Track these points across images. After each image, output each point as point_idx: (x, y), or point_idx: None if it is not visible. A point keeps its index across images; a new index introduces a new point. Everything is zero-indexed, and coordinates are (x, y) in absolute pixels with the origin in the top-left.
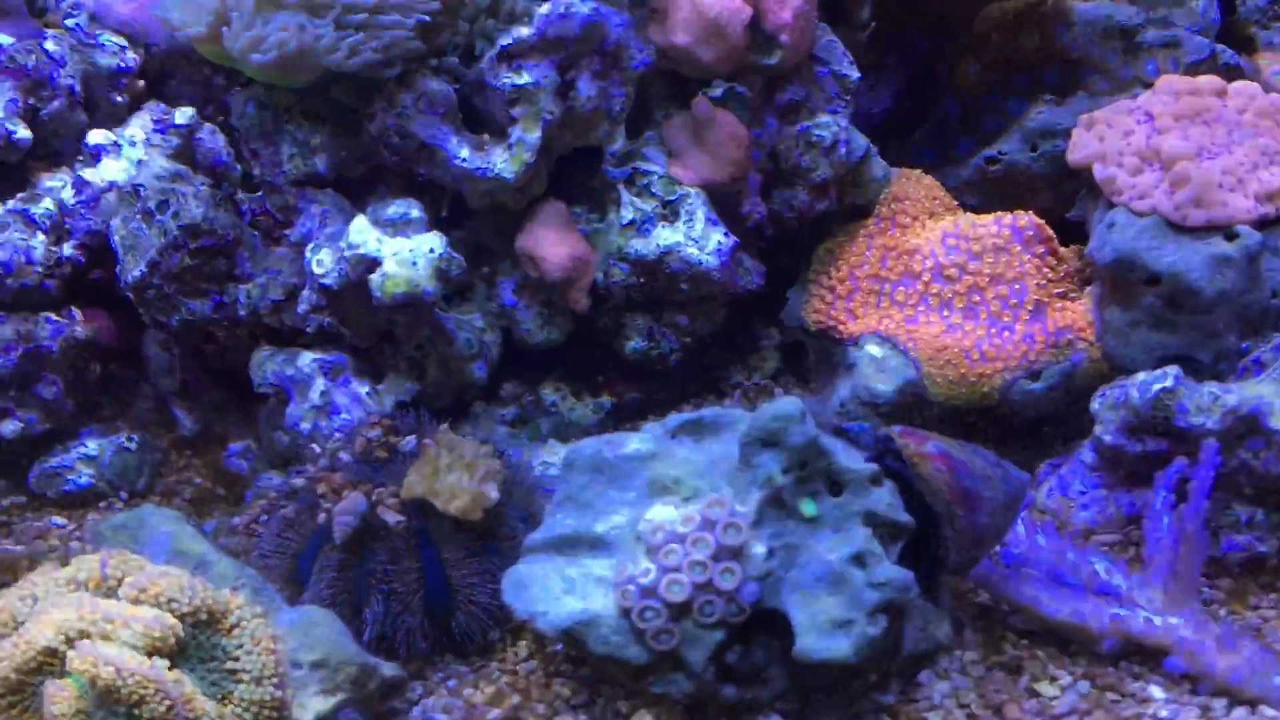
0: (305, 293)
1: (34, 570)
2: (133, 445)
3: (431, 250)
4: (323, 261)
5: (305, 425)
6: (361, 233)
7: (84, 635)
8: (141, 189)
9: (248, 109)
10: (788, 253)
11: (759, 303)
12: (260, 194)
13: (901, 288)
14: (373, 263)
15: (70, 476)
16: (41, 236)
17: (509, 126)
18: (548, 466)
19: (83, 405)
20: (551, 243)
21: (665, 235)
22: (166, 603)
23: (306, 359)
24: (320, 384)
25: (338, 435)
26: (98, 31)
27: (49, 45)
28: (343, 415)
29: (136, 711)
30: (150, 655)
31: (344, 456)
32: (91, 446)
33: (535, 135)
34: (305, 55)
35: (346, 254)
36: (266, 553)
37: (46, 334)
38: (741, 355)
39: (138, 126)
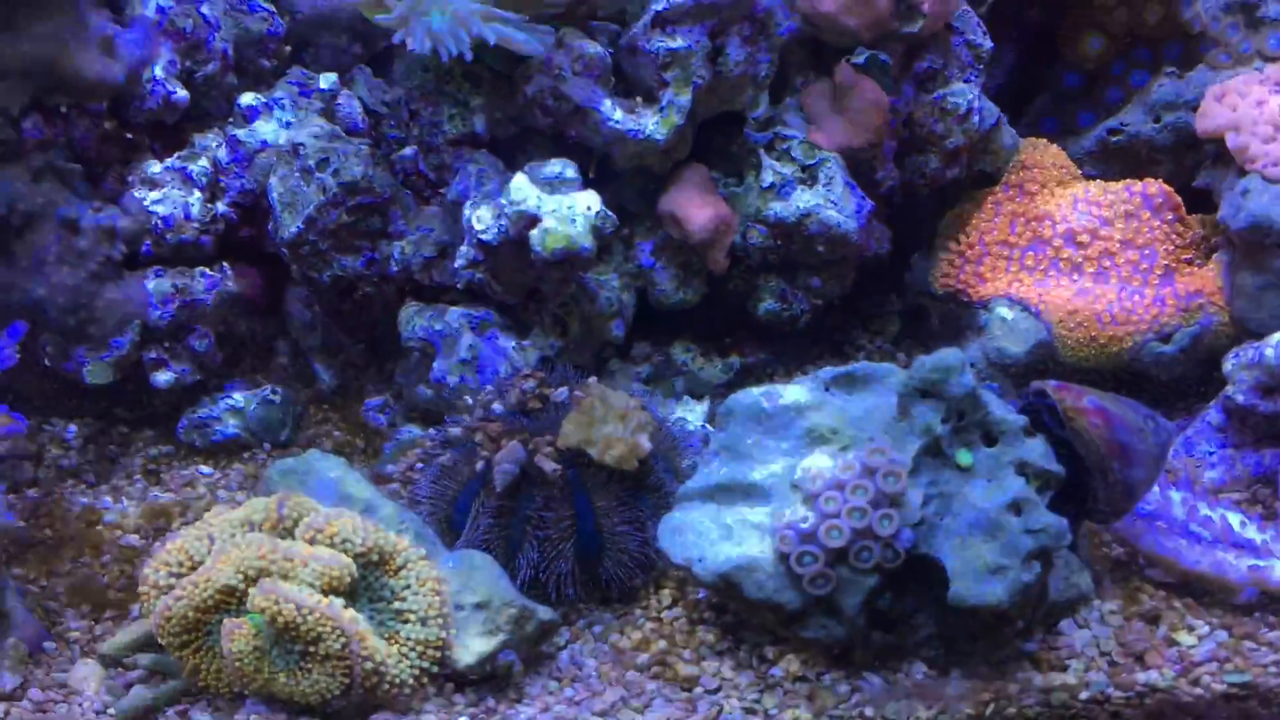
0: (463, 248)
1: (171, 517)
2: (276, 398)
3: (589, 208)
4: (482, 218)
5: (452, 378)
6: (522, 190)
7: (264, 574)
8: (301, 148)
9: (412, 72)
10: (904, 219)
11: (879, 267)
12: (411, 153)
13: (1031, 252)
14: (533, 219)
15: (218, 427)
16: (198, 194)
17: (659, 90)
18: (683, 422)
19: (228, 359)
20: (696, 204)
21: (805, 198)
22: (340, 543)
23: (455, 314)
24: (468, 339)
25: (488, 387)
26: None
27: (205, 9)
28: (489, 369)
29: (312, 649)
30: (326, 594)
31: (497, 407)
32: (237, 398)
33: (686, 98)
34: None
35: (507, 210)
36: (421, 499)
37: (202, 288)
38: (863, 319)
39: (284, 90)
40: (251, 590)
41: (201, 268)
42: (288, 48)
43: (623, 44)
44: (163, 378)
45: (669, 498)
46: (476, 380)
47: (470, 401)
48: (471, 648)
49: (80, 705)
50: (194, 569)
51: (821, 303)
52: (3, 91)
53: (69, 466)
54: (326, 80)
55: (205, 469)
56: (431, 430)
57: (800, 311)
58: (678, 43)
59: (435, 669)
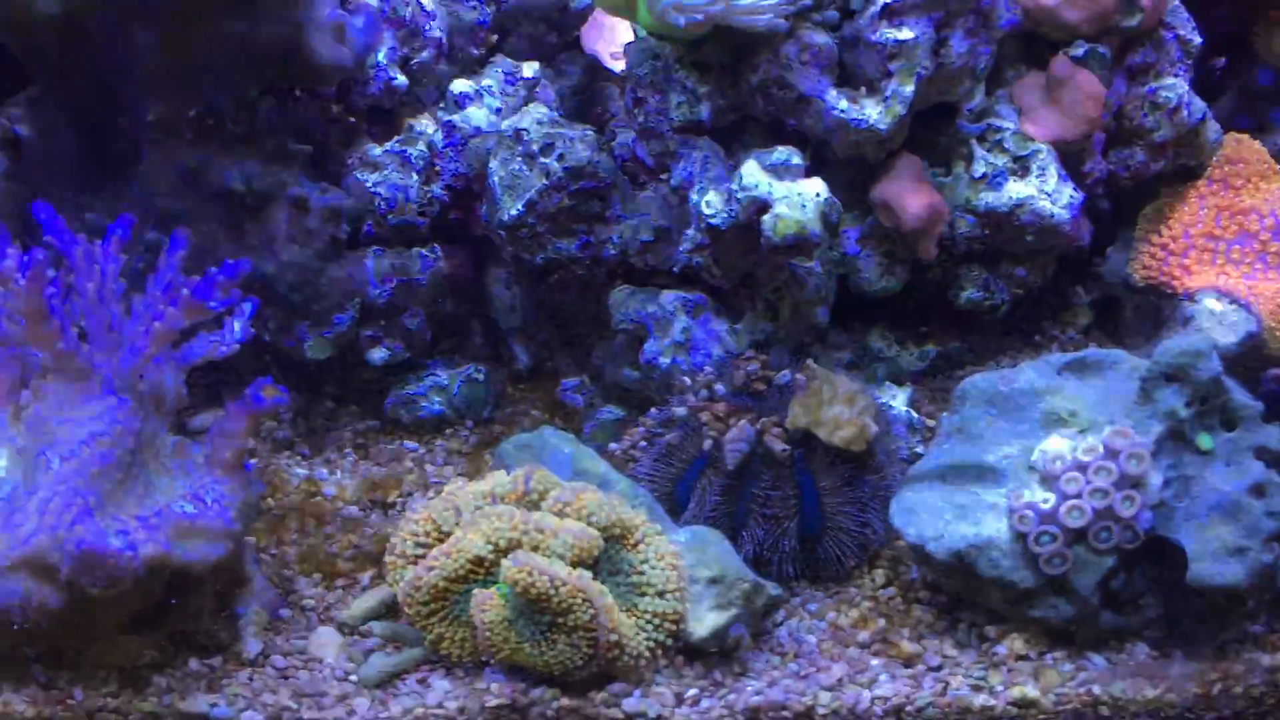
0: (689, 232)
1: (386, 490)
2: (480, 376)
3: (818, 194)
4: (711, 203)
5: (664, 360)
6: (753, 176)
7: (514, 545)
8: (524, 133)
9: (642, 61)
10: (1098, 211)
11: (1068, 259)
12: (629, 139)
13: (1237, 246)
14: (763, 205)
15: (424, 404)
16: (416, 176)
17: (883, 80)
18: (888, 408)
19: (434, 337)
20: (911, 193)
21: (1017, 189)
22: (586, 517)
23: (670, 297)
24: (682, 321)
25: (707, 369)
26: None
27: None
28: (701, 352)
29: (560, 620)
30: (575, 566)
31: (720, 388)
32: (442, 376)
33: (909, 89)
34: (725, 14)
35: (738, 196)
36: (642, 476)
37: (418, 268)
38: (1053, 310)
39: (491, 77)
40: (503, 561)
41: (418, 248)
42: (494, 36)
43: (846, 34)
44: (377, 355)
45: (888, 480)
46: (689, 362)
47: (689, 383)
48: (705, 621)
49: (321, 672)
50: (440, 540)
51: (1022, 293)
52: (244, 75)
53: (284, 439)
54: (530, 68)
55: (410, 444)
56: (652, 410)
57: (1001, 301)
58: (905, 34)
59: (670, 641)
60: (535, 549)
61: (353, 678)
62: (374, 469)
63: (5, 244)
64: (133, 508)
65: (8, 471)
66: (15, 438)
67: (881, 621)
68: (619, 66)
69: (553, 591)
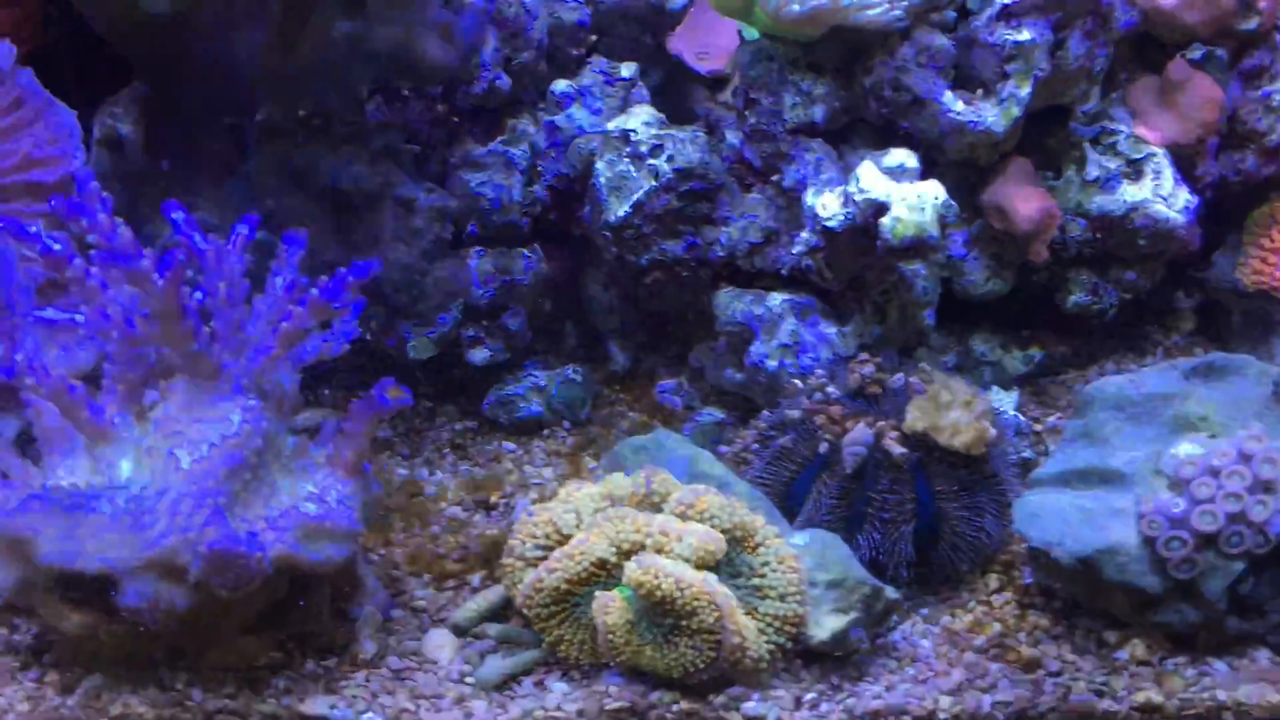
0: (802, 234)
1: (488, 490)
2: (578, 377)
3: (936, 197)
4: (827, 205)
5: (771, 362)
6: (871, 178)
7: (638, 548)
8: (632, 134)
9: (755, 62)
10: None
11: (1173, 263)
12: (738, 141)
13: None
14: (881, 207)
15: (522, 404)
16: (519, 177)
17: (999, 82)
18: (999, 412)
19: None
20: (1023, 196)
21: (1132, 192)
22: (709, 519)
23: (777, 299)
24: (790, 324)
25: (818, 371)
26: None
27: None
28: (809, 354)
29: (684, 622)
30: (699, 569)
31: (832, 391)
32: (540, 377)
33: (1026, 91)
34: (839, 12)
35: (856, 198)
36: (756, 479)
37: (520, 268)
38: (1156, 314)
39: (590, 77)
40: (627, 564)
41: (520, 248)
42: (594, 37)
43: (960, 35)
44: (479, 355)
45: (1002, 484)
46: (796, 365)
47: (800, 385)
48: (825, 625)
49: (437, 674)
50: (560, 542)
51: (1130, 297)
52: (356, 73)
53: (384, 439)
54: (628, 69)
55: (509, 444)
56: (764, 413)
57: (1109, 305)
58: (1024, 35)
59: (789, 645)
60: (659, 551)
61: (469, 679)
62: (474, 470)
63: (138, 245)
64: (259, 508)
65: (134, 472)
66: (142, 438)
67: (997, 626)
68: (705, 67)
69: (677, 594)
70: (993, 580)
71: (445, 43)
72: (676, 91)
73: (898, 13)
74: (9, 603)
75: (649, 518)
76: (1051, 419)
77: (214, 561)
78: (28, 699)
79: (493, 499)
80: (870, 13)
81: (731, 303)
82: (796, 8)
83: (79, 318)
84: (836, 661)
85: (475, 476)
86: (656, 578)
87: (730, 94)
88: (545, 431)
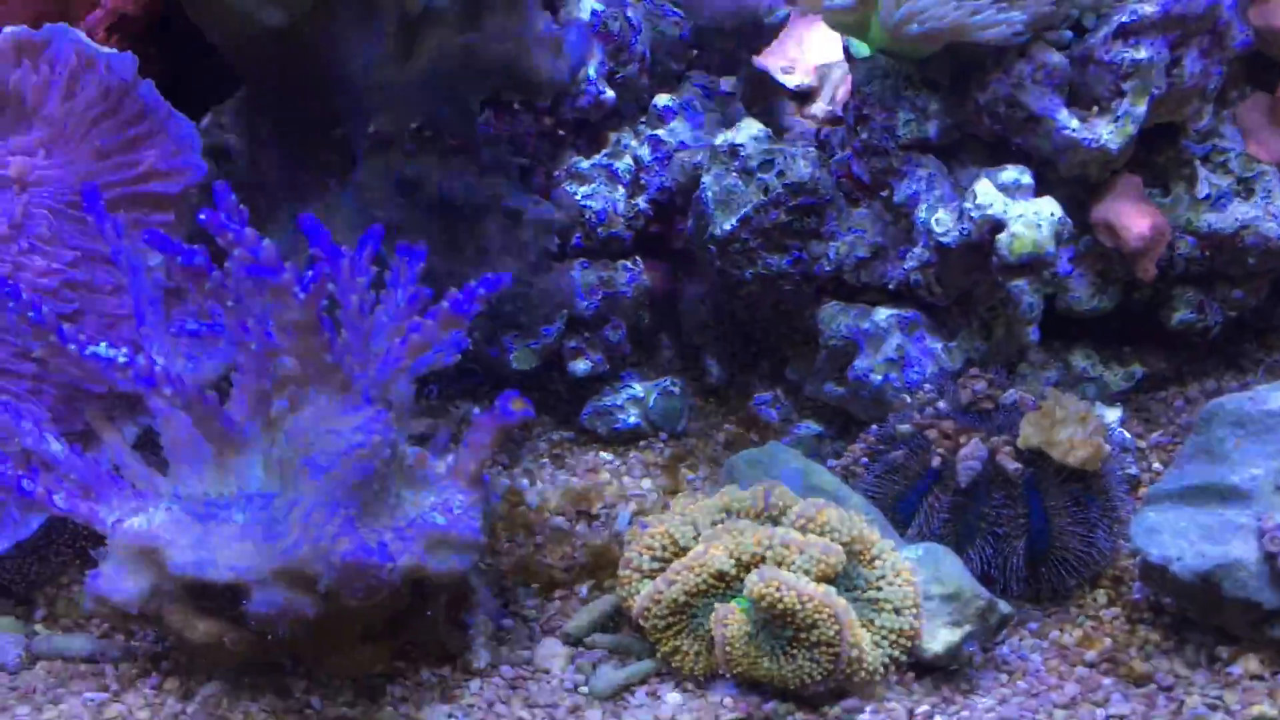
0: (915, 250)
1: (589, 501)
2: (676, 389)
3: (1052, 214)
4: (942, 221)
5: (875, 377)
6: (988, 195)
7: (758, 561)
8: (741, 149)
9: (870, 79)
10: None
11: (1274, 281)
12: (846, 156)
13: None
14: (998, 224)
15: (620, 415)
16: (622, 190)
17: (1115, 100)
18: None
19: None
20: (1135, 214)
21: (1242, 210)
22: (828, 532)
23: (883, 314)
24: (896, 338)
25: (927, 386)
26: (663, 2)
27: (629, 13)
28: (914, 369)
29: (803, 635)
30: (818, 581)
31: (942, 406)
32: (638, 388)
33: (1141, 109)
34: (959, 29)
35: (973, 215)
36: (865, 492)
37: (623, 281)
38: (1257, 332)
39: (690, 91)
40: (749, 576)
41: (622, 261)
42: (694, 51)
43: (1075, 53)
44: (580, 366)
45: (1113, 500)
46: (902, 379)
47: (909, 400)
48: (939, 638)
49: (550, 683)
50: (677, 554)
51: (1235, 315)
52: (469, 87)
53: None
54: (727, 83)
55: (606, 455)
56: (872, 427)
57: (1214, 323)
58: (1141, 54)
59: (903, 657)
60: (780, 564)
61: (583, 689)
62: (572, 480)
63: (280, 259)
64: (385, 519)
65: (264, 482)
66: (271, 447)
67: (1108, 641)
68: (791, 82)
69: (798, 607)
70: (1101, 595)
71: (555, 57)
72: (762, 104)
73: (1019, 29)
74: (127, 611)
75: (769, 531)
76: (1154, 435)
77: (346, 572)
78: (147, 705)
79: (593, 509)
80: (991, 31)
81: (836, 317)
82: (917, 27)
83: (218, 328)
84: (948, 674)
85: (574, 487)
86: (779, 590)
87: (819, 106)
88: (642, 443)
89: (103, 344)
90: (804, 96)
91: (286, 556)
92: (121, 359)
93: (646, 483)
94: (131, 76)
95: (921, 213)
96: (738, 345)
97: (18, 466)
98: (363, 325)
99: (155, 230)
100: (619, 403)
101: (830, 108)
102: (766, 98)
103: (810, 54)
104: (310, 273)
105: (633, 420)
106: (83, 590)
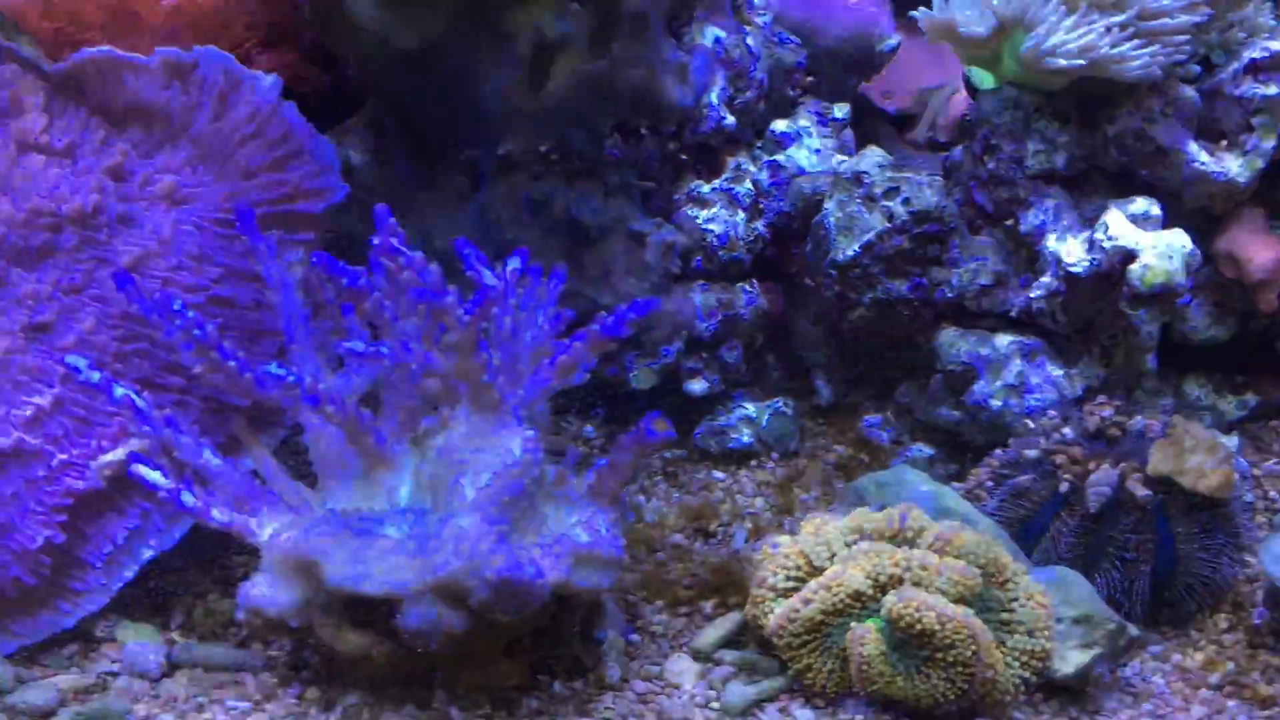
0: (1043, 279)
1: (706, 518)
2: (788, 410)
3: (1183, 246)
4: (1072, 251)
5: (995, 402)
6: (1119, 226)
7: (895, 582)
8: (865, 175)
9: (1002, 110)
10: None
11: None
12: (969, 183)
13: None
14: (1129, 255)
15: (733, 435)
16: (742, 214)
17: (1244, 134)
18: None
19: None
20: (1257, 246)
21: None
22: (965, 555)
23: (1004, 340)
24: (1017, 365)
25: (1051, 413)
26: (780, 30)
27: (749, 40)
28: (1034, 395)
29: (939, 655)
30: (956, 603)
31: (1068, 432)
32: (750, 408)
33: (1270, 144)
34: (1098, 64)
35: (1104, 245)
36: (990, 515)
37: (742, 303)
38: None
39: (806, 118)
40: (888, 596)
41: (741, 283)
42: (810, 78)
43: (1204, 87)
44: (697, 386)
45: (1239, 527)
46: (1021, 405)
47: (1032, 426)
48: (1070, 659)
49: (681, 698)
50: (811, 574)
51: None
52: (601, 112)
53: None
54: (840, 110)
55: (717, 473)
56: (997, 451)
57: None
58: (1271, 90)
59: (1033, 679)
60: (918, 585)
61: (714, 704)
62: (686, 497)
63: (445, 281)
64: (531, 536)
65: (413, 497)
66: (421, 464)
67: (1230, 664)
68: (891, 105)
69: (938, 628)
70: (1221, 620)
71: (682, 84)
72: (862, 129)
73: (1156, 68)
74: (280, 622)
75: (907, 553)
76: (1267, 464)
77: (500, 588)
78: (290, 715)
79: (710, 527)
80: (1132, 66)
81: (955, 342)
82: (1063, 61)
83: (383, 350)
84: (1074, 695)
85: (689, 504)
86: (919, 611)
87: (920, 132)
88: (753, 462)
89: (272, 363)
90: (902, 122)
91: (441, 572)
92: (291, 378)
93: (759, 501)
94: (277, 98)
95: (1050, 242)
96: (848, 367)
97: (174, 478)
98: (515, 347)
99: (325, 254)
100: (733, 422)
101: (930, 134)
102: (866, 123)
103: (907, 80)
104: (473, 296)
105: (745, 439)
106: (217, 599)
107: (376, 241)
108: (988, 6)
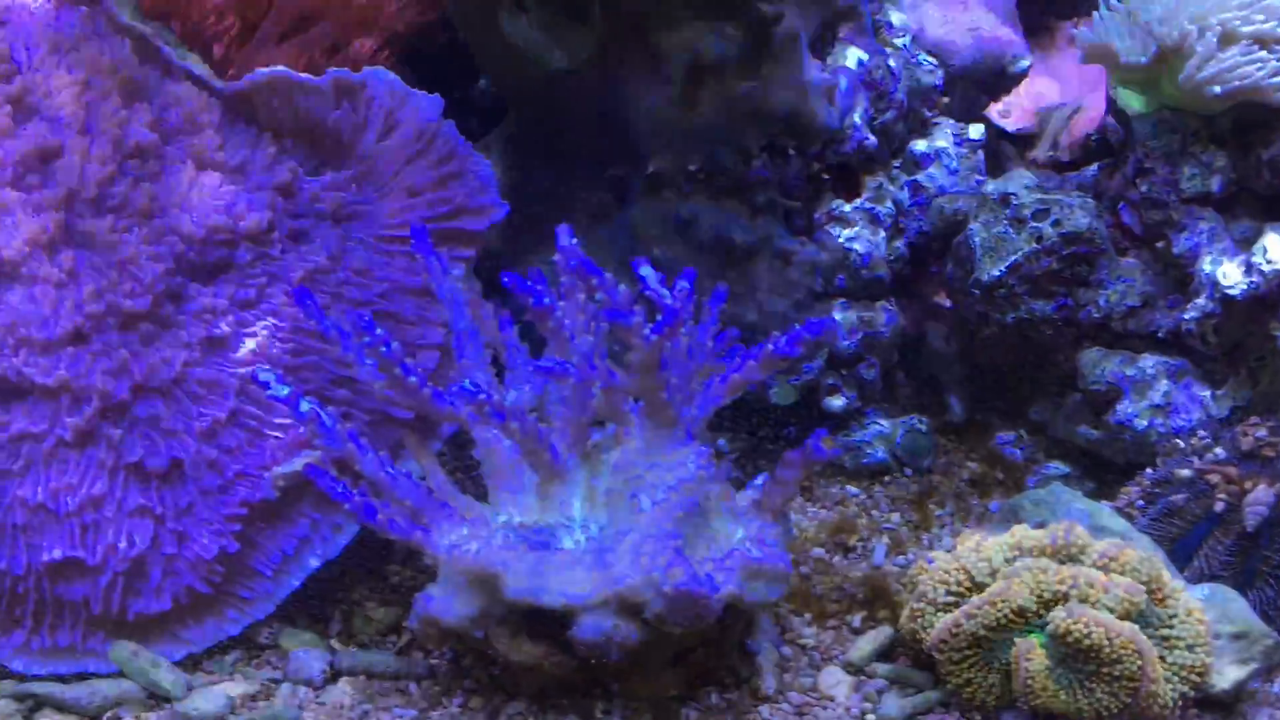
0: (1198, 301)
1: (845, 533)
2: (923, 427)
3: None
4: (1229, 274)
5: (1140, 422)
6: (1278, 249)
7: (1059, 598)
8: (1013, 197)
9: (1159, 134)
10: None
11: None
12: (1118, 205)
13: None
14: None
15: (869, 450)
16: (883, 233)
17: None
18: None
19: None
20: None
21: None
22: (1130, 572)
23: (1150, 361)
24: (1163, 385)
25: (1200, 434)
26: (918, 52)
27: (891, 62)
28: (1181, 415)
29: (1105, 669)
30: (1122, 619)
31: (1220, 452)
32: (885, 425)
33: None
34: (1259, 90)
35: (1264, 268)
36: (1143, 533)
37: (882, 321)
38: None
39: (943, 138)
40: (1055, 612)
41: (881, 302)
42: (946, 99)
43: None
44: (836, 403)
45: None
46: (1167, 425)
47: (1181, 445)
48: (1227, 674)
49: (835, 710)
50: (971, 589)
51: None
52: (751, 133)
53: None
54: (975, 131)
55: (852, 489)
56: (1148, 470)
57: None
58: None
59: (1191, 693)
60: (1083, 601)
61: (869, 717)
62: (821, 512)
63: (632, 303)
64: (702, 550)
65: (586, 511)
66: (594, 478)
67: None
68: (1009, 125)
69: (1105, 643)
70: None
71: (829, 105)
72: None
73: None
74: (454, 631)
75: (1072, 569)
76: None
77: (676, 601)
78: None
79: (850, 542)
80: None
81: (1100, 362)
82: (1219, 88)
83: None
84: (1228, 710)
85: (827, 519)
86: (1087, 627)
87: (1042, 151)
88: (886, 478)
89: (466, 379)
90: (1022, 140)
91: (618, 584)
92: (482, 395)
93: (895, 516)
94: (438, 117)
95: (1205, 265)
96: (981, 385)
97: (353, 488)
98: (688, 365)
99: (513, 274)
100: (868, 438)
101: (1052, 153)
102: (987, 141)
103: (1027, 98)
104: (659, 317)
105: (880, 455)
106: (375, 607)
107: (561, 261)
108: (1148, 34)
